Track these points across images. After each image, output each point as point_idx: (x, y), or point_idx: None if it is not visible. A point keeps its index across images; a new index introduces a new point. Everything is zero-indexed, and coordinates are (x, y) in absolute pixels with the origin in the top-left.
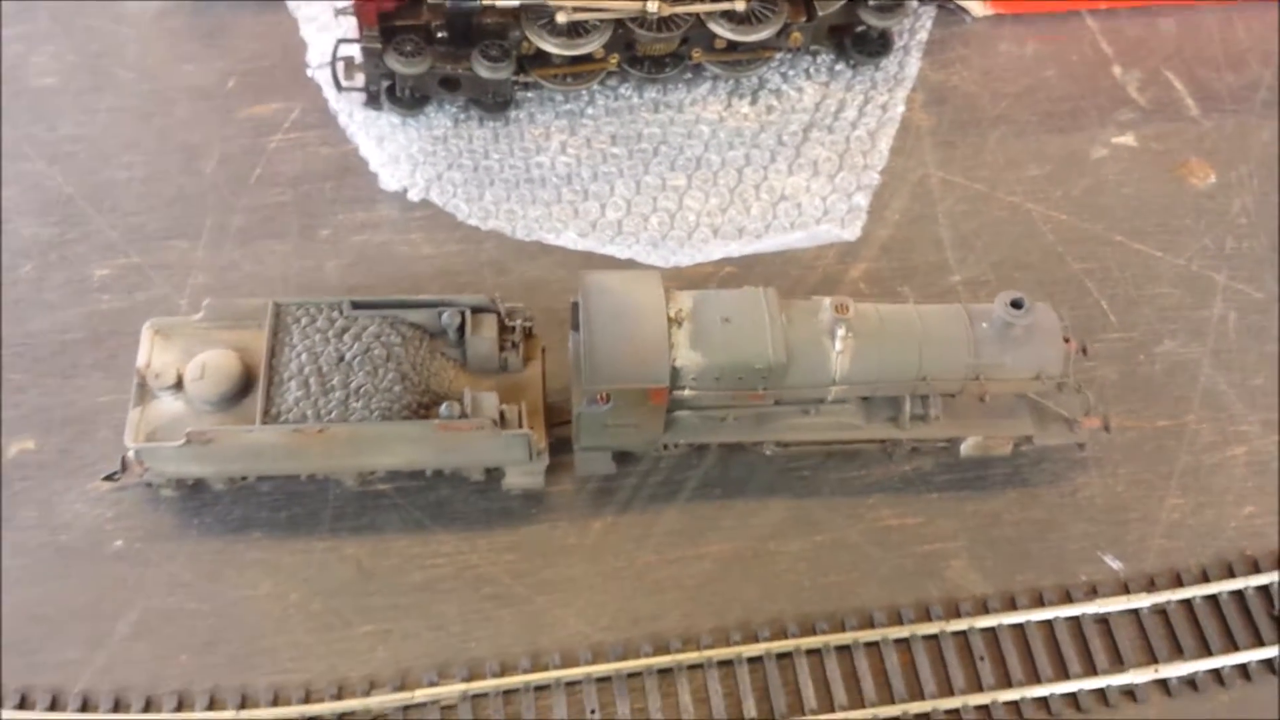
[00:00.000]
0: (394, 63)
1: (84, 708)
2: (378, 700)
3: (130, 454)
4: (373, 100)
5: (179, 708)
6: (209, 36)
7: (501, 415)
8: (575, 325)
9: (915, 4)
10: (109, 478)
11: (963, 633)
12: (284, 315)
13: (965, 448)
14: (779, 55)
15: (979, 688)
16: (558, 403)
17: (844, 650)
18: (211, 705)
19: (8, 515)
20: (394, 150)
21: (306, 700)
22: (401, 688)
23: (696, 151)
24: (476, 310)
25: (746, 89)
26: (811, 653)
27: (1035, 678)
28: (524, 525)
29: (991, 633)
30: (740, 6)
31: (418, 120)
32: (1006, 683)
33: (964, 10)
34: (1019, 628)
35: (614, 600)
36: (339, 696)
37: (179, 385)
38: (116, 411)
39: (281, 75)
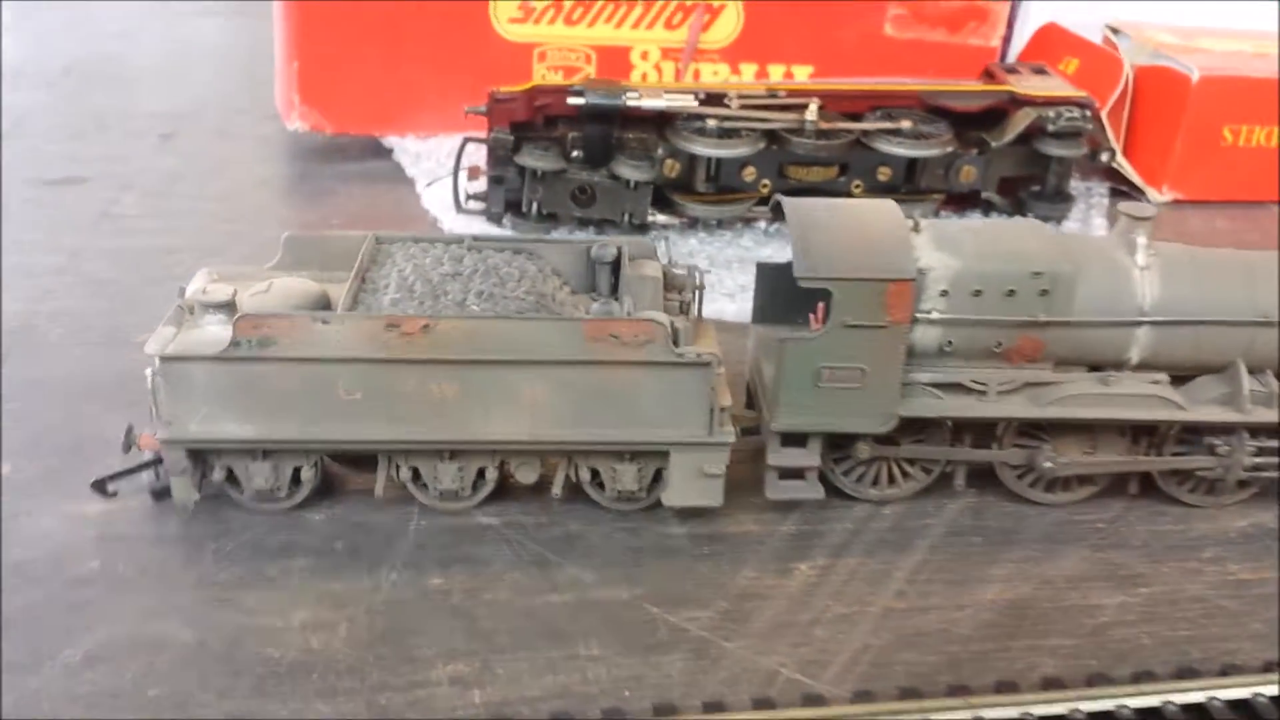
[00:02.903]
0: (528, 158)
1: None
2: None
3: (137, 430)
4: (495, 219)
5: None
6: (315, 196)
7: (675, 332)
8: (758, 315)
9: (1085, 186)
10: (99, 486)
11: None
12: (384, 245)
13: None
14: (945, 201)
15: None
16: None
17: (1240, 706)
18: None
19: None
20: None
21: None
22: None
23: None
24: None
25: None
26: (1192, 709)
27: None
28: (696, 564)
29: None
30: (906, 125)
31: None
32: None
33: (1142, 193)
34: None
35: (845, 649)
36: None
37: (231, 307)
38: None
39: (392, 219)
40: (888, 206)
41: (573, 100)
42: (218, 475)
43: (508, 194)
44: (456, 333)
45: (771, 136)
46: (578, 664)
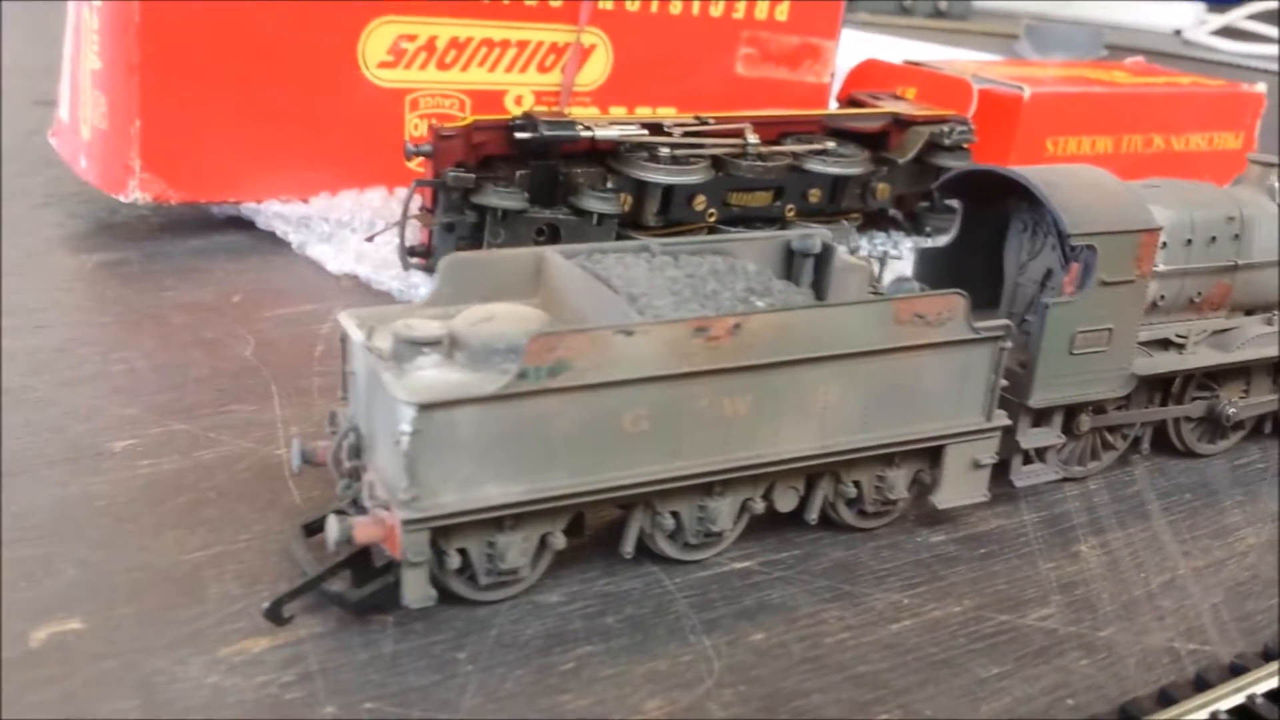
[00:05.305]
0: (492, 198)
1: None
2: None
3: (337, 522)
4: (429, 270)
5: None
6: (186, 275)
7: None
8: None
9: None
10: (274, 614)
11: None
12: (573, 260)
13: None
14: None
15: None
16: None
17: None
18: None
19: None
20: None
21: None
22: None
23: None
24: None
25: None
26: None
27: None
28: (989, 566)
29: None
30: (831, 145)
31: None
32: None
33: None
34: None
35: (1198, 612)
36: None
37: (445, 344)
38: (217, 566)
39: (302, 291)
40: (1095, 168)
41: (521, 135)
42: (453, 562)
43: (459, 241)
44: (766, 330)
45: (715, 163)
46: (991, 685)
